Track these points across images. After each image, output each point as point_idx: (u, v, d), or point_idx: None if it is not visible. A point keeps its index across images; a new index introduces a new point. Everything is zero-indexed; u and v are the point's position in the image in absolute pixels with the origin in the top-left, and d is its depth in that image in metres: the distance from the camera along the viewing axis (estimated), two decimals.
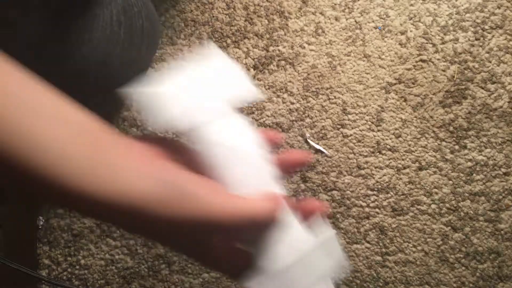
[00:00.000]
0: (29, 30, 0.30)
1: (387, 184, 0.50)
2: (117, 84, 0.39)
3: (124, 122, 0.51)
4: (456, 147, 0.49)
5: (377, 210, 0.50)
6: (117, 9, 0.36)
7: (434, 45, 0.51)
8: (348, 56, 0.51)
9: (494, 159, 0.49)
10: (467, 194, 0.49)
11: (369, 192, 0.50)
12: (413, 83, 0.50)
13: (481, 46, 0.50)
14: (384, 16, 0.51)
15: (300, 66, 0.51)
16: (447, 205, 0.49)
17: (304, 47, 0.51)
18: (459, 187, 0.49)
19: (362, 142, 0.50)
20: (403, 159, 0.50)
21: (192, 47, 0.52)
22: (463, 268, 0.49)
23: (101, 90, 0.39)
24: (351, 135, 0.50)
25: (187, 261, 0.50)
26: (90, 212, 0.17)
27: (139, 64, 0.42)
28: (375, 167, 0.50)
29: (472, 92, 0.50)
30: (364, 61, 0.51)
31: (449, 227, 0.49)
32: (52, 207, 0.51)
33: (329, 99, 0.50)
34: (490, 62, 0.50)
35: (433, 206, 0.49)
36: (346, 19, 0.51)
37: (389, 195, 0.50)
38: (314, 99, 0.50)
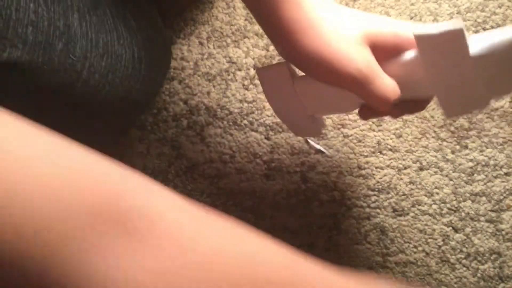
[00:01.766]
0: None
1: (388, 184, 0.49)
2: (133, 112, 0.41)
3: None
4: (457, 147, 0.49)
5: (377, 210, 0.49)
6: (138, 47, 0.37)
7: None
8: None
9: (495, 159, 0.49)
10: (468, 195, 0.49)
11: (370, 192, 0.50)
12: None
13: None
14: (385, 15, 0.51)
15: None
16: (448, 205, 0.49)
17: None
18: (460, 187, 0.49)
19: (363, 142, 0.50)
20: (403, 159, 0.49)
21: (192, 46, 0.51)
22: (464, 268, 0.48)
23: (121, 119, 0.40)
24: (351, 135, 0.50)
25: None
26: None
27: (154, 90, 0.43)
28: (376, 167, 0.50)
29: None
30: None
31: (450, 228, 0.49)
32: None
33: None
34: None
35: (434, 206, 0.49)
36: None
37: (390, 195, 0.49)
38: None
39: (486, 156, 0.49)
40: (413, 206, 0.49)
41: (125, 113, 0.39)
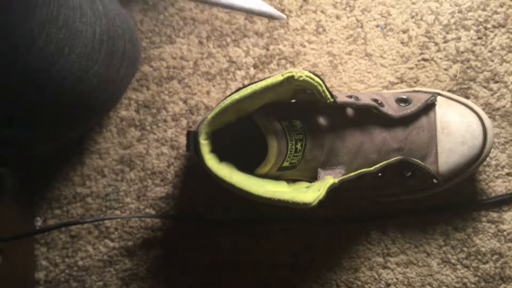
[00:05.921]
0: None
1: None
2: (92, 103, 0.39)
3: (122, 121, 0.50)
4: None
5: (378, 210, 0.49)
6: (101, 29, 0.36)
7: (436, 44, 0.50)
8: (349, 55, 0.50)
9: (497, 159, 0.49)
10: (469, 195, 0.49)
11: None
12: (415, 82, 0.50)
13: (483, 45, 0.50)
14: (386, 14, 0.51)
15: (301, 65, 0.50)
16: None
17: (304, 46, 0.51)
18: (462, 188, 0.49)
19: None
20: None
21: (191, 45, 0.51)
22: (465, 269, 0.48)
23: (76, 107, 0.39)
24: None
25: (185, 261, 0.50)
26: None
27: (117, 84, 0.42)
28: None
29: (475, 92, 0.49)
30: (365, 60, 0.50)
31: (451, 228, 0.49)
32: (49, 207, 0.50)
33: None
34: (492, 61, 0.49)
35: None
36: (347, 18, 0.51)
37: None
38: None
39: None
40: (414, 205, 0.49)
41: (81, 103, 0.38)
